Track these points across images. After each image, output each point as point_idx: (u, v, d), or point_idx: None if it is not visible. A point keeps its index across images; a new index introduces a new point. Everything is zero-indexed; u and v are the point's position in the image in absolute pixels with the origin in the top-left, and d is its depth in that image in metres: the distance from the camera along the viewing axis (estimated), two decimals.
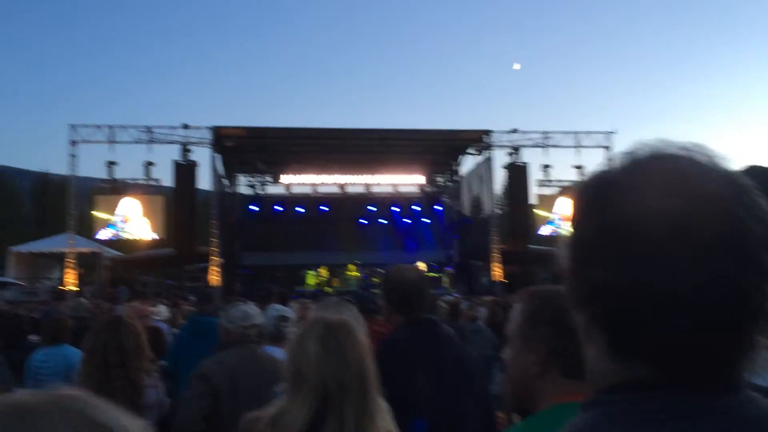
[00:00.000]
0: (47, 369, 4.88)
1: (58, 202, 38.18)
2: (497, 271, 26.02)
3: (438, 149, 30.48)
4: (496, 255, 26.11)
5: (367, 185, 31.53)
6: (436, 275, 25.89)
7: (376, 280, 23.59)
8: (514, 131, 27.12)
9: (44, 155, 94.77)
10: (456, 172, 32.04)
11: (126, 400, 2.79)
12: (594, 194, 0.75)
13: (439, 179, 33.75)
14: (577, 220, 0.77)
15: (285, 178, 30.69)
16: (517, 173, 27.56)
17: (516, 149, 27.23)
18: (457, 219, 31.43)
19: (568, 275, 0.76)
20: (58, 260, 29.49)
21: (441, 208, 32.93)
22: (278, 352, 3.57)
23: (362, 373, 1.87)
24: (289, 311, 4.09)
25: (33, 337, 6.92)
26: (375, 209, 32.36)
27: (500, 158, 27.59)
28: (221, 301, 6.67)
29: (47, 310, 13.91)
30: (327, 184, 31.48)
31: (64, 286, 26.14)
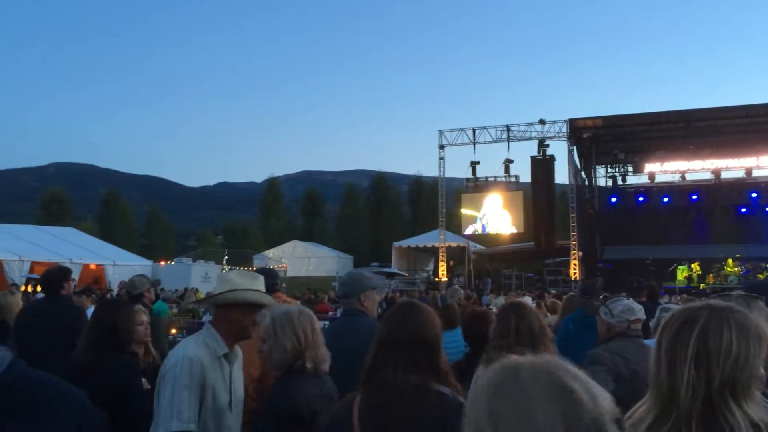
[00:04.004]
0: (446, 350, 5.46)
1: (430, 202, 42.50)
2: None
3: None
4: None
5: (748, 169, 27.61)
6: None
7: (761, 276, 20.66)
8: None
9: (418, 159, 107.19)
10: None
11: None
12: None
13: None
14: None
15: (648, 167, 28.77)
16: None
17: None
18: None
19: None
20: (431, 253, 32.86)
21: None
22: None
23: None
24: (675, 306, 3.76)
25: None
26: (758, 195, 28.38)
27: None
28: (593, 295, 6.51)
29: (420, 298, 15.61)
30: (697, 171, 28.54)
31: (437, 277, 28.94)
